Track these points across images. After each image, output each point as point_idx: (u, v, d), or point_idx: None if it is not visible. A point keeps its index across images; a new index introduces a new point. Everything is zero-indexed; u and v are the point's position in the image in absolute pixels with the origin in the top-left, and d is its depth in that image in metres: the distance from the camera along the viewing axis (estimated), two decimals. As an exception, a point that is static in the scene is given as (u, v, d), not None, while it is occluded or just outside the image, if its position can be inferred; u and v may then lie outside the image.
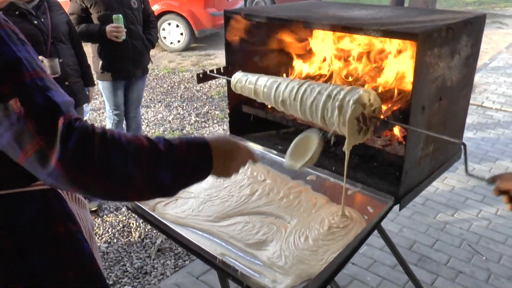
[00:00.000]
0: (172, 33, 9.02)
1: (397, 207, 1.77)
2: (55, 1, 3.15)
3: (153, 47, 3.91)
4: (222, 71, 2.12)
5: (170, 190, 1.11)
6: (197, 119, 5.61)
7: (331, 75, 2.20)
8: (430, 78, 1.67)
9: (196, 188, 1.90)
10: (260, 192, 1.86)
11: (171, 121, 5.55)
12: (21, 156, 0.97)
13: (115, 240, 3.26)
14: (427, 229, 3.36)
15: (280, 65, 2.31)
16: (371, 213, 1.70)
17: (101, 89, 3.80)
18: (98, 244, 3.21)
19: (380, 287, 2.79)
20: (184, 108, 5.99)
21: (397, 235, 3.27)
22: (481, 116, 5.54)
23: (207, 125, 5.42)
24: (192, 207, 1.81)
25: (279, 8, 2.20)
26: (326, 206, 1.77)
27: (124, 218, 3.52)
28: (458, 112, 2.01)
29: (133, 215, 3.51)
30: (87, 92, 3.42)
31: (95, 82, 3.59)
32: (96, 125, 1.02)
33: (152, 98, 6.34)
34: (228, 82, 2.01)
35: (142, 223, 3.45)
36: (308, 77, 2.20)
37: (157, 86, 6.90)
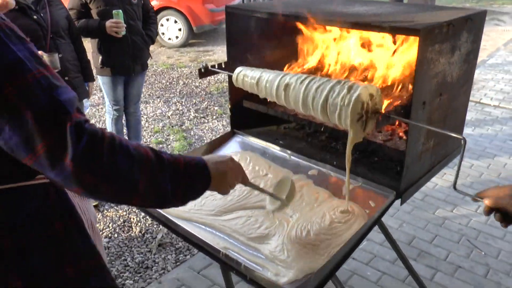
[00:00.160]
0: (170, 29, 9.00)
1: (397, 202, 1.78)
2: (55, -4, 3.15)
3: (153, 42, 3.91)
4: (223, 66, 2.12)
5: (170, 199, 1.15)
6: (196, 114, 5.62)
7: (331, 72, 2.21)
8: (431, 74, 1.68)
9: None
10: (262, 186, 1.87)
11: (170, 116, 5.55)
12: (29, 157, 0.97)
13: (116, 235, 3.27)
14: (426, 224, 3.38)
15: (281, 60, 2.31)
16: (373, 208, 1.71)
17: (101, 84, 3.80)
18: (99, 239, 3.21)
19: (380, 282, 2.81)
20: (183, 103, 5.99)
21: (397, 231, 3.29)
22: (479, 113, 5.57)
23: (206, 121, 5.43)
24: (194, 202, 1.81)
25: (280, 4, 2.20)
26: (328, 200, 1.78)
27: (124, 213, 3.53)
28: (458, 108, 2.03)
29: (134, 210, 3.53)
30: (86, 87, 3.43)
31: (95, 77, 3.59)
32: (98, 125, 1.03)
33: (151, 94, 6.34)
34: (230, 77, 2.02)
35: (142, 218, 3.46)
36: (309, 72, 2.20)
37: (156, 81, 6.90)
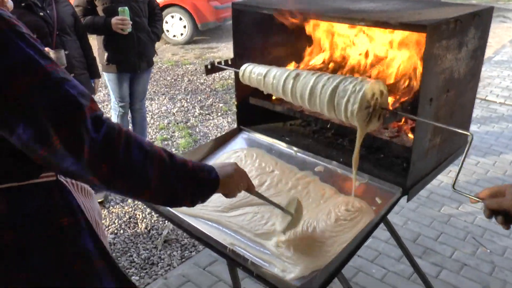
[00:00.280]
0: (175, 26, 9.01)
1: (402, 199, 1.78)
2: (61, -7, 3.16)
3: (158, 39, 3.92)
4: (229, 62, 2.13)
5: (180, 198, 1.19)
6: (201, 111, 5.62)
7: (337, 67, 2.21)
8: (438, 70, 1.67)
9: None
10: (269, 183, 1.88)
11: (175, 113, 5.56)
12: (44, 149, 1.00)
13: (121, 231, 3.29)
14: (431, 222, 3.38)
15: (287, 57, 2.31)
16: (379, 204, 1.71)
17: (107, 81, 3.81)
18: (105, 235, 3.23)
19: (385, 279, 2.81)
20: (188, 100, 6.00)
21: (402, 228, 3.29)
22: (485, 110, 5.54)
23: (211, 118, 5.43)
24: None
25: (286, 0, 2.20)
26: (334, 197, 1.78)
27: (130, 209, 3.54)
28: (465, 104, 2.02)
29: (139, 206, 3.54)
30: (92, 84, 3.44)
31: (101, 74, 3.60)
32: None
33: (156, 91, 6.35)
34: (236, 74, 2.02)
35: (148, 214, 3.47)
36: (315, 69, 2.20)
37: (161, 78, 6.91)
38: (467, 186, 3.83)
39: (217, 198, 1.80)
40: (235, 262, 1.54)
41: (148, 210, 3.49)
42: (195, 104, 5.87)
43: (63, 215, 1.24)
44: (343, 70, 2.16)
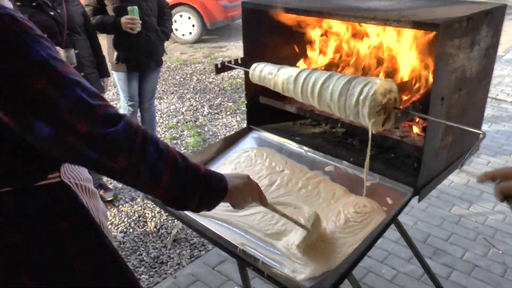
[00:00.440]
0: (184, 25, 9.02)
1: (413, 199, 1.76)
2: (71, -7, 3.17)
3: (167, 39, 3.93)
4: (239, 62, 2.12)
5: (187, 201, 1.20)
6: (210, 110, 5.62)
7: (347, 66, 2.19)
8: (450, 69, 1.66)
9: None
10: (279, 182, 1.87)
11: (184, 112, 5.57)
12: (60, 145, 1.04)
13: (131, 230, 3.29)
14: (442, 222, 3.35)
15: (297, 56, 2.30)
16: (390, 204, 1.70)
17: (116, 80, 3.83)
18: (114, 234, 3.24)
19: (395, 280, 2.79)
20: (197, 99, 6.00)
21: (412, 228, 3.26)
22: (496, 109, 5.49)
23: (220, 117, 5.43)
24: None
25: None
26: (345, 196, 1.77)
27: (139, 208, 3.55)
28: (476, 103, 2.00)
29: (149, 205, 3.55)
30: (102, 83, 3.45)
31: (110, 73, 3.61)
32: None
33: (165, 90, 6.36)
34: (246, 74, 2.01)
35: (157, 213, 3.48)
36: (326, 68, 2.19)
37: (170, 77, 6.92)
38: (478, 186, 3.79)
39: (227, 198, 1.81)
40: (246, 262, 1.53)
41: (158, 209, 3.49)
42: (204, 103, 5.88)
43: (67, 216, 1.26)
44: (353, 69, 2.15)
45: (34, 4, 2.85)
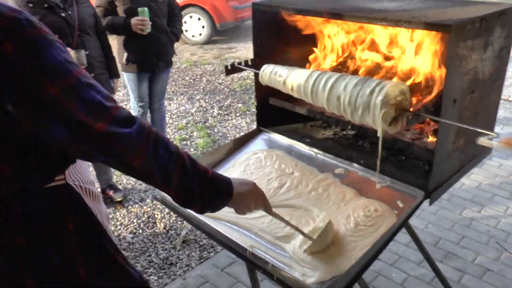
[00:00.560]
0: (193, 26, 9.03)
1: (424, 202, 1.74)
2: (82, -6, 3.19)
3: (177, 40, 3.93)
4: (249, 63, 2.12)
5: (194, 201, 1.25)
6: (220, 111, 5.62)
7: (358, 68, 2.18)
8: (463, 71, 1.64)
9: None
10: (289, 185, 1.86)
11: (194, 113, 5.57)
12: (75, 146, 1.08)
13: (140, 231, 3.30)
14: (453, 225, 3.31)
15: (307, 58, 2.29)
16: (401, 208, 1.68)
17: (126, 80, 3.84)
18: (124, 234, 3.25)
19: (405, 284, 2.76)
20: (207, 100, 6.01)
21: (423, 231, 3.23)
22: (508, 111, 5.44)
23: (230, 118, 5.43)
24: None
25: (305, 0, 2.18)
26: (355, 199, 1.75)
27: (149, 209, 3.56)
28: (489, 105, 1.97)
29: (158, 206, 3.55)
30: (112, 84, 3.46)
31: (120, 74, 3.62)
32: None
33: (175, 91, 6.38)
34: (256, 75, 2.01)
35: (167, 214, 3.48)
36: (336, 70, 2.18)
37: (179, 78, 6.93)
38: (490, 189, 3.75)
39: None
40: (255, 264, 1.53)
41: (167, 210, 3.50)
42: (214, 104, 5.88)
43: (71, 218, 1.28)
44: (364, 71, 2.13)
45: (45, 5, 2.87)
